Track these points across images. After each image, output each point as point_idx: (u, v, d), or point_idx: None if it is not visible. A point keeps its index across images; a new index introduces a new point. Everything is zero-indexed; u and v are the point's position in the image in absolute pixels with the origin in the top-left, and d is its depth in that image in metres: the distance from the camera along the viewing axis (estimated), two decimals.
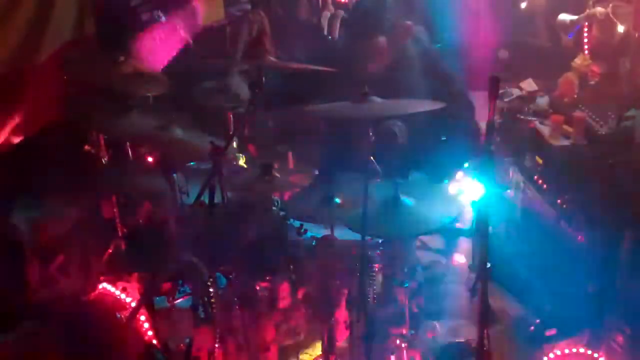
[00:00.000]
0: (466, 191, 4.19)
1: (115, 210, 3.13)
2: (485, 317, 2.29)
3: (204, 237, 2.63)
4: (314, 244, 2.77)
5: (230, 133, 3.35)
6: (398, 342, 2.85)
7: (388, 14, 3.33)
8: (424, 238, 4.14)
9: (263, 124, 3.81)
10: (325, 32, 4.83)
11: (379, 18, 3.32)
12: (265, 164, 2.74)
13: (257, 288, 2.64)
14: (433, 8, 4.29)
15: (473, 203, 3.16)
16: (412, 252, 3.16)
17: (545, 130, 3.61)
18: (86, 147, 3.25)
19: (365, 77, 3.24)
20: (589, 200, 3.21)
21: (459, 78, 3.49)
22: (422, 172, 3.28)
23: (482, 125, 3.61)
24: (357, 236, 2.52)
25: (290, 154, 3.67)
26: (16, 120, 3.11)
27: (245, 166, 3.23)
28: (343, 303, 2.70)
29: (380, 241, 2.81)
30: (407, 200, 2.61)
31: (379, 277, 2.78)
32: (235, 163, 3.21)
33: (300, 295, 2.70)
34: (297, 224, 2.83)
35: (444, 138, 3.52)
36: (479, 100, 3.58)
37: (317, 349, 2.78)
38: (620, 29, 3.60)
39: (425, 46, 3.60)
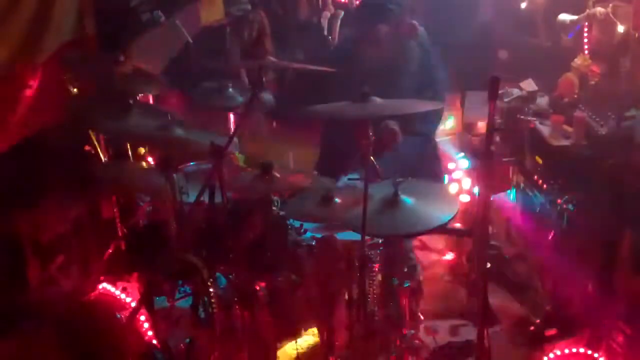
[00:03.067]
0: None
1: (115, 210, 3.13)
2: (485, 317, 2.29)
3: (204, 237, 2.63)
4: (314, 244, 2.77)
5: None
6: (398, 342, 2.85)
7: (394, 5, 3.46)
8: (424, 238, 4.14)
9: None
10: (325, 32, 4.84)
11: (383, 9, 3.45)
12: (265, 164, 2.74)
13: (257, 288, 2.64)
14: (433, 8, 4.30)
15: None
16: (411, 252, 3.16)
17: (545, 130, 3.61)
18: (86, 147, 3.26)
19: (364, 72, 3.29)
20: (589, 200, 3.21)
21: (445, 87, 3.66)
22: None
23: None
24: (357, 236, 2.52)
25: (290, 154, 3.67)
26: (16, 120, 3.11)
27: (244, 166, 3.22)
28: (343, 303, 2.70)
29: (380, 241, 2.81)
30: (407, 199, 2.61)
31: (379, 277, 2.78)
32: (235, 163, 3.20)
33: (300, 295, 2.71)
34: (297, 224, 2.84)
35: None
36: (479, 100, 3.59)
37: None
38: (620, 29, 3.60)
39: (427, 49, 3.63)
